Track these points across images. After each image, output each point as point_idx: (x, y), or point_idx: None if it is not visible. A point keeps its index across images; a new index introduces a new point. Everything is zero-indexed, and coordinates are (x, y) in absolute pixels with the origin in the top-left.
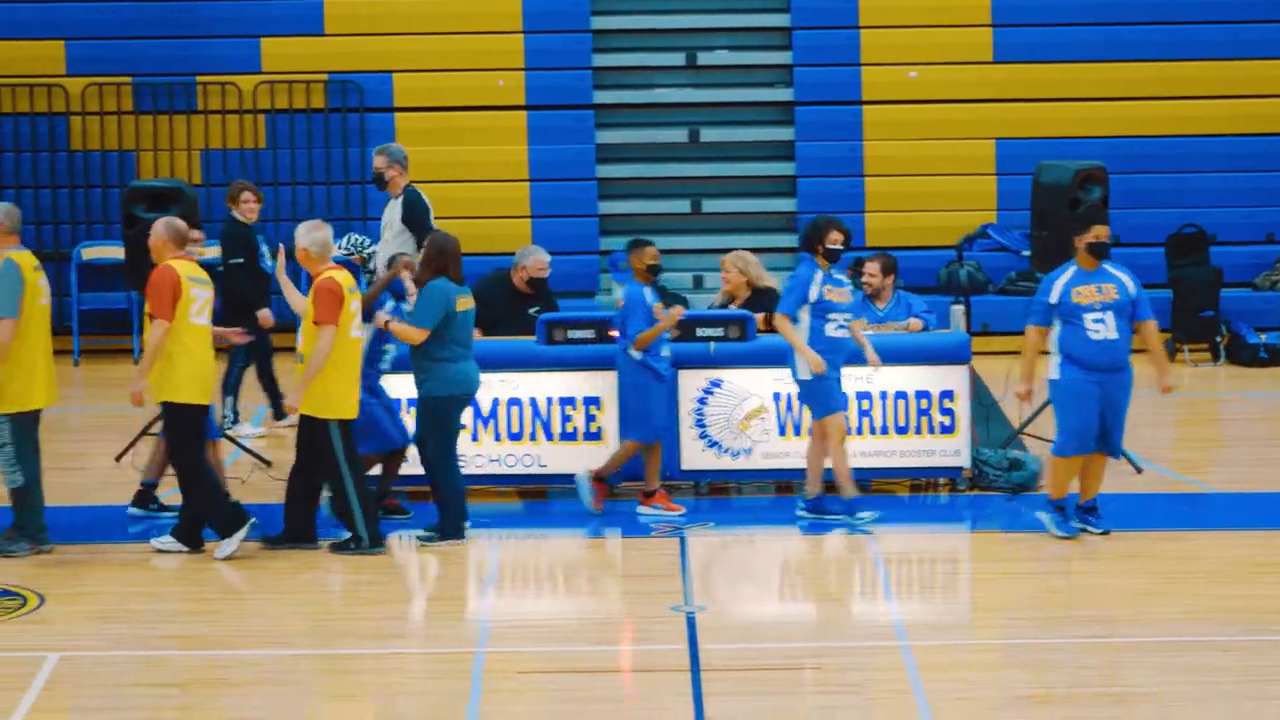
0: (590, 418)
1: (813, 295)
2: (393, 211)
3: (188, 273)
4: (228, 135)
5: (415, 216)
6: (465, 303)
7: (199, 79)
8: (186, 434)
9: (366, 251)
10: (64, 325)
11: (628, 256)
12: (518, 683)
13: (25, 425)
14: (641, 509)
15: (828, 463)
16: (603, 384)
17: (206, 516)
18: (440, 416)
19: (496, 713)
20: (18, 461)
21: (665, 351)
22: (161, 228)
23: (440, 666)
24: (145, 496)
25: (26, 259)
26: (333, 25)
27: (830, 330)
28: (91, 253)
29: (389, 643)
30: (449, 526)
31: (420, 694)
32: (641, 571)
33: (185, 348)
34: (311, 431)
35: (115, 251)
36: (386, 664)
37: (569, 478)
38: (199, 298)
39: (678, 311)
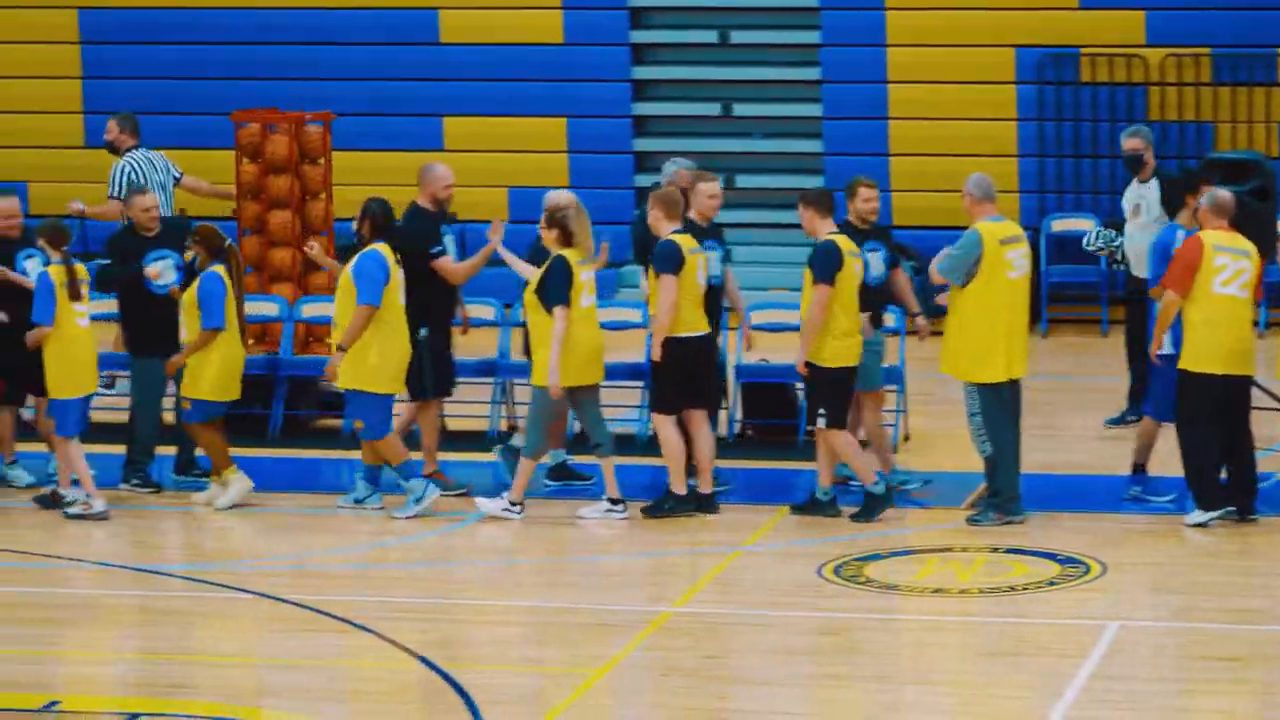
0: None
1: None
2: (1147, 193)
3: (1216, 242)
4: None
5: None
6: None
7: (1279, 51)
8: (1193, 405)
9: (1115, 244)
10: (1032, 296)
11: None
12: None
13: (994, 395)
14: None
15: None
16: None
17: (1190, 480)
18: None
19: None
20: (988, 432)
21: None
22: (1205, 199)
23: None
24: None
25: (995, 230)
26: None
27: None
28: (1061, 225)
29: None
30: None
31: None
32: None
33: (1207, 318)
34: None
35: (1084, 224)
36: None
37: None
38: (1226, 267)
39: None
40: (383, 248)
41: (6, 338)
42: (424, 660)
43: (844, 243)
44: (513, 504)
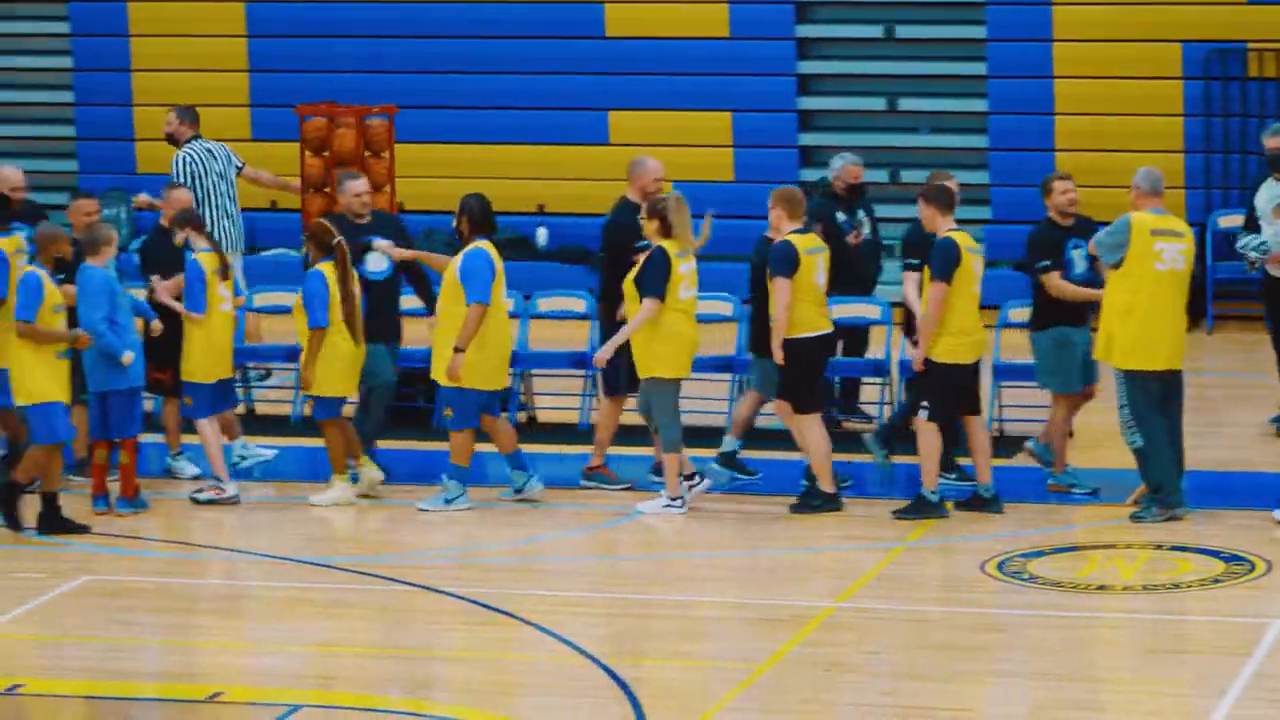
0: None
1: None
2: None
3: None
4: None
5: None
6: None
7: None
8: None
9: (1265, 252)
10: (1197, 292)
11: None
12: None
13: (1141, 386)
14: None
15: None
16: None
17: None
18: None
19: None
20: (1136, 423)
21: None
22: None
23: None
24: None
25: (1147, 221)
26: None
27: None
28: (1227, 221)
29: None
30: None
31: None
32: None
33: None
34: None
35: None
36: None
37: None
38: None
39: None
40: (486, 245)
41: (171, 332)
42: (586, 654)
43: (963, 240)
44: (672, 499)
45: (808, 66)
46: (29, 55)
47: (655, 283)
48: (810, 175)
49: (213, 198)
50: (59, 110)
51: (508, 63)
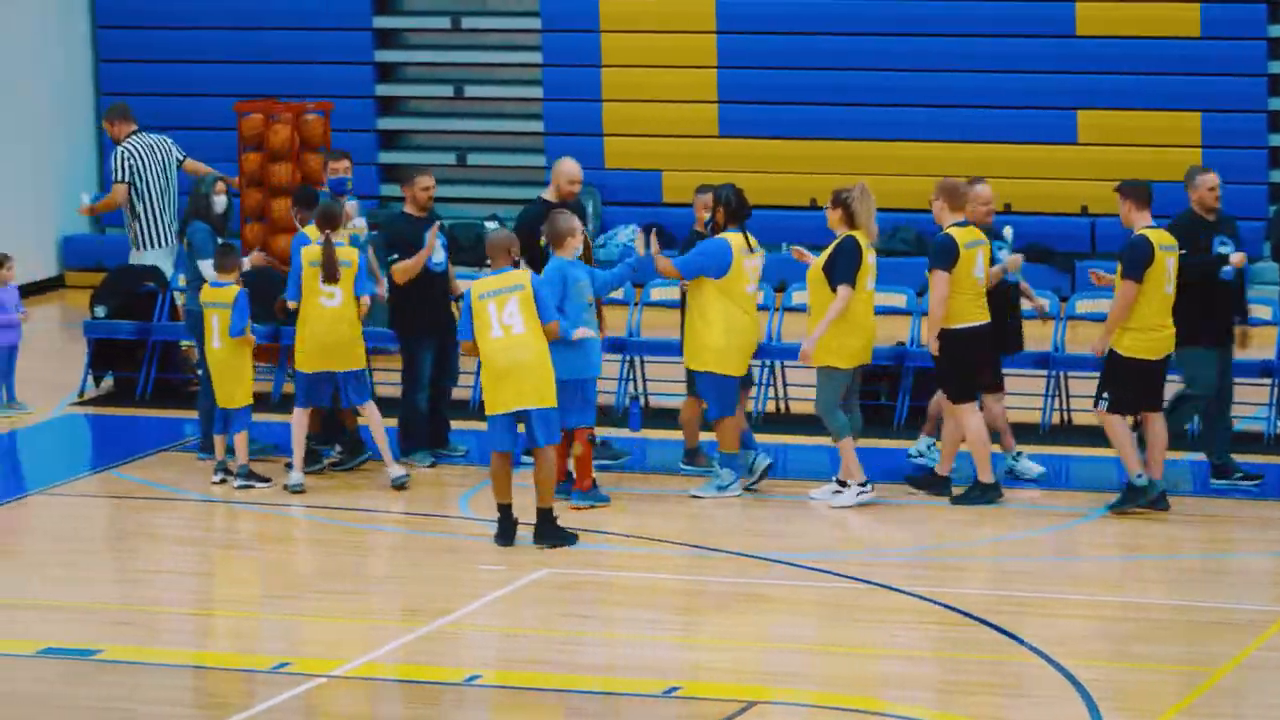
0: None
1: None
2: None
3: None
4: None
5: None
6: None
7: None
8: None
9: None
10: None
11: None
12: None
13: None
14: None
15: None
16: None
17: None
18: None
19: None
20: None
21: None
22: None
23: None
24: None
25: None
26: None
27: None
28: None
29: None
30: None
31: None
32: None
33: None
34: None
35: None
36: None
37: None
38: None
39: None
40: (730, 236)
41: None
42: (1042, 655)
43: (1158, 237)
44: (862, 486)
45: None
46: (501, 50)
47: (848, 271)
48: (1279, 176)
49: (152, 190)
50: (529, 106)
51: (978, 60)
